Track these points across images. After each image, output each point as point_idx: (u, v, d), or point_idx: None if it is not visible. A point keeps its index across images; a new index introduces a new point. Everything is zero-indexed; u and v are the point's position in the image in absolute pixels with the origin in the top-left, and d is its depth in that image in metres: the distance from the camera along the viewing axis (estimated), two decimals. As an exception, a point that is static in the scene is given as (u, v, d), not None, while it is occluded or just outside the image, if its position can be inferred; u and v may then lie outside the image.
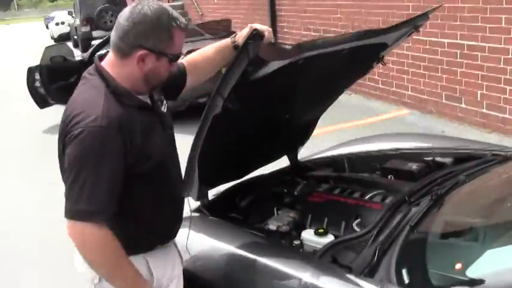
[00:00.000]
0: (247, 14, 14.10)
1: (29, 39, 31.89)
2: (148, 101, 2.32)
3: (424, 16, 3.07)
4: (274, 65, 2.61)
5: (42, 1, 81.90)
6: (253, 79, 2.58)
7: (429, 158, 3.56)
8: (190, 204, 2.68)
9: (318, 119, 3.73)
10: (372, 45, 2.99)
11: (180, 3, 19.41)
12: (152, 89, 2.31)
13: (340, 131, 8.00)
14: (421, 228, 2.54)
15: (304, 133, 3.73)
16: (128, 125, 2.11)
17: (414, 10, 7.94)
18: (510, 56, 7.00)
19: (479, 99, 7.60)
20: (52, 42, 25.07)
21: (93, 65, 2.25)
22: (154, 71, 2.21)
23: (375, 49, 3.11)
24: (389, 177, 3.49)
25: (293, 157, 3.78)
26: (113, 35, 2.18)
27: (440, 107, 8.30)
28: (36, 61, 10.28)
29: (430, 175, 3.10)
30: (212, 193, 3.37)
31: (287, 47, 2.70)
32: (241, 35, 2.57)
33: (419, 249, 2.42)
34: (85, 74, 2.26)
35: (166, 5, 2.24)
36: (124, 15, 2.15)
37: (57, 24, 29.97)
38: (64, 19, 29.26)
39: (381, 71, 9.34)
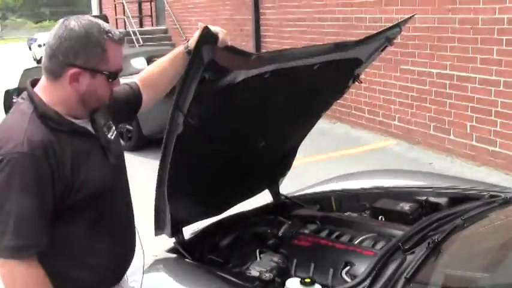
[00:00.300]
0: (232, 39, 13.88)
1: (11, 61, 31.56)
2: (88, 126, 2.10)
3: (396, 27, 2.90)
4: (237, 76, 2.39)
5: (27, 22, 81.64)
6: (214, 90, 2.35)
7: (422, 198, 3.35)
8: (142, 243, 2.42)
9: (297, 148, 3.53)
10: (345, 61, 2.82)
11: (163, 27, 19.31)
12: (92, 112, 2.10)
13: (324, 161, 7.85)
14: (418, 281, 2.29)
15: (283, 163, 3.52)
16: (56, 152, 1.90)
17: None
18: (501, 88, 6.84)
19: (468, 131, 7.43)
20: (34, 64, 24.79)
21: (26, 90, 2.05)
22: (91, 92, 2.00)
23: (349, 65, 2.94)
24: (379, 218, 3.27)
25: (275, 191, 3.56)
26: (43, 56, 2.01)
27: (428, 138, 8.12)
28: (16, 83, 10.02)
29: (425, 218, 2.85)
30: (189, 232, 3.13)
31: (253, 56, 2.44)
32: (194, 39, 2.30)
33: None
34: (18, 99, 2.06)
35: (97, 19, 2.03)
36: (51, 33, 1.99)
37: (39, 45, 29.73)
38: (47, 41, 29.04)
39: (367, 100, 9.23)
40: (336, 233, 2.97)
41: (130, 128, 8.55)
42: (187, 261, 2.82)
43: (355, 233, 2.97)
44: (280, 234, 3.08)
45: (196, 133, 2.37)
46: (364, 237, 2.88)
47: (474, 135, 7.36)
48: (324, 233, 3.00)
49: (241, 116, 2.71)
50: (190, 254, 2.88)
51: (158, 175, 2.44)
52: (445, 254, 2.46)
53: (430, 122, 8.07)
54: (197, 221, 3.12)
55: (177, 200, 2.61)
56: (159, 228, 2.74)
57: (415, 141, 8.36)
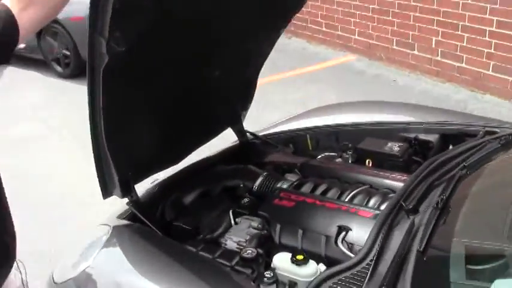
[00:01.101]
0: None
1: None
2: None
3: None
4: None
5: None
6: (137, 2, 1.84)
7: (411, 135, 2.97)
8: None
9: (258, 74, 3.06)
10: None
11: None
12: None
13: (282, 80, 7.42)
14: (434, 254, 1.91)
15: (244, 95, 3.08)
16: None
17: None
18: (469, 1, 6.47)
19: (433, 46, 7.11)
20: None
21: None
22: None
23: None
24: (367, 161, 2.89)
25: (239, 129, 3.13)
26: None
27: (391, 54, 7.76)
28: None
29: (423, 167, 2.42)
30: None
31: None
32: None
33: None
34: None
35: None
36: None
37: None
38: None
39: (324, 12, 8.76)
40: (322, 187, 2.56)
41: (68, 53, 7.81)
42: (149, 232, 2.36)
43: (343, 185, 2.58)
44: (255, 188, 2.66)
45: (128, 63, 1.89)
46: (355, 191, 2.48)
47: (439, 51, 7.06)
48: (307, 187, 2.58)
49: (182, 37, 2.21)
50: (149, 218, 2.42)
51: (91, 125, 1.99)
52: (458, 216, 2.08)
53: (392, 37, 7.70)
54: (151, 174, 2.66)
55: (120, 152, 2.17)
56: (106, 190, 2.29)
57: (377, 56, 7.99)
